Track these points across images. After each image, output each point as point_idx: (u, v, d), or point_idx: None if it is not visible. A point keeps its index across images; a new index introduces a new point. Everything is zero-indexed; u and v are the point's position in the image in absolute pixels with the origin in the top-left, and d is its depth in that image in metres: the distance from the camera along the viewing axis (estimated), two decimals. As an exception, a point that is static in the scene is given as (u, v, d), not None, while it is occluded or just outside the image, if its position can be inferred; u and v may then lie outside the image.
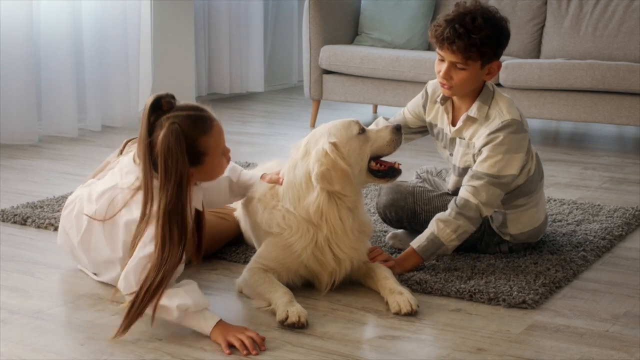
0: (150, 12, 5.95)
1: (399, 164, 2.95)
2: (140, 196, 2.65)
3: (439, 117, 3.23)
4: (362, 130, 2.88)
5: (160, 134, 2.59)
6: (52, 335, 2.51)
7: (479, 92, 3.11)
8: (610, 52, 5.62)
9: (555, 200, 3.99)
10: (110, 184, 2.79)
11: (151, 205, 2.61)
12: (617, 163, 5.00)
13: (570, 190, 4.31)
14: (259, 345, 2.45)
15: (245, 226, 3.16)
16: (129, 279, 2.52)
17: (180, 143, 2.58)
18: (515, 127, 3.03)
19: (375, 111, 6.61)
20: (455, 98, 3.15)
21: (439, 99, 3.20)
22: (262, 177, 2.98)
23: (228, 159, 2.77)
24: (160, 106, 2.65)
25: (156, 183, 2.62)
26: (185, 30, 6.29)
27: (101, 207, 2.77)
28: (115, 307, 2.70)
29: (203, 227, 2.77)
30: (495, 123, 3.04)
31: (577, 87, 5.26)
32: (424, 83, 5.51)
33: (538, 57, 5.87)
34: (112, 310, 2.69)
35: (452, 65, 3.02)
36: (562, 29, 5.80)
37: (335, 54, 5.85)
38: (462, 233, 3.02)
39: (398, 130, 2.92)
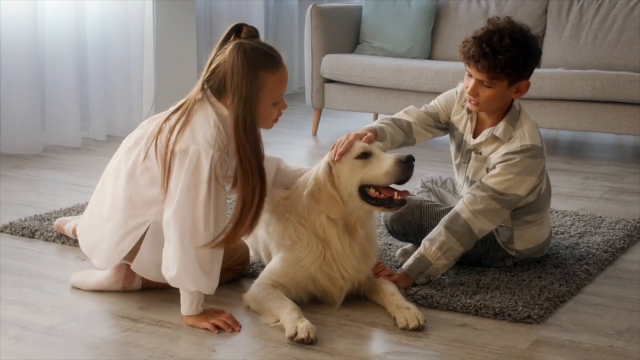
0: (153, 21, 5.98)
1: (400, 196, 2.82)
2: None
3: (462, 123, 3.24)
4: (363, 155, 2.84)
5: (227, 51, 2.68)
6: (65, 352, 2.54)
7: (506, 110, 3.13)
8: (610, 62, 5.66)
9: (557, 212, 4.03)
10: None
11: (186, 116, 2.71)
12: (617, 172, 5.04)
13: (571, 201, 4.35)
14: (237, 323, 2.73)
15: (254, 243, 3.19)
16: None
17: (248, 61, 2.65)
18: (533, 153, 3.05)
19: (376, 119, 6.64)
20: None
21: (465, 105, 3.20)
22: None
23: (278, 115, 2.80)
24: (240, 32, 2.74)
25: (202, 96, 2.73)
26: (187, 37, 6.32)
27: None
28: (126, 323, 2.73)
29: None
30: (514, 145, 3.06)
31: (577, 97, 5.31)
32: (426, 92, 5.64)
33: (538, 66, 5.91)
34: (123, 326, 2.72)
35: (479, 82, 3.03)
36: (562, 38, 5.84)
37: (337, 63, 5.89)
38: (448, 250, 3.02)
39: (403, 162, 2.77)
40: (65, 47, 5.37)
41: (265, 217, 2.97)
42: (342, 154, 2.85)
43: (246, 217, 2.68)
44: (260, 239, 3.06)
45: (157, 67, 6.06)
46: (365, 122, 6.54)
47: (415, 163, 2.80)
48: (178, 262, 2.66)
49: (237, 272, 3.12)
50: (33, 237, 3.58)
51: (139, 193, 2.80)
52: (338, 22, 6.11)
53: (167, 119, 2.78)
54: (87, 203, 4.00)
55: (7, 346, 2.56)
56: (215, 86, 2.74)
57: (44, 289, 3.02)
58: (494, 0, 6.10)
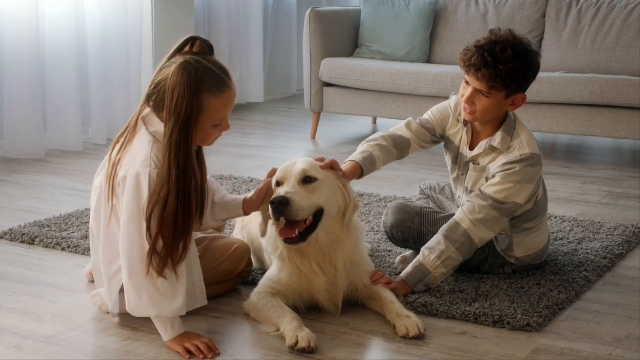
0: (152, 23, 6.00)
1: (283, 238, 2.76)
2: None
3: (458, 136, 3.26)
4: (277, 184, 2.84)
5: (172, 68, 2.56)
6: (66, 362, 2.55)
7: (502, 121, 3.15)
8: (608, 65, 5.67)
9: (556, 217, 4.03)
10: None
11: (131, 132, 2.65)
12: (616, 177, 5.05)
13: (570, 206, 4.36)
14: (213, 350, 2.59)
15: (257, 250, 3.20)
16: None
17: (190, 82, 2.53)
18: (533, 161, 3.07)
19: (374, 122, 6.66)
20: (476, 122, 3.18)
21: (461, 119, 3.23)
22: (244, 201, 2.90)
23: (221, 132, 2.70)
24: (192, 46, 2.63)
25: (146, 112, 2.66)
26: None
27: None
28: (127, 332, 2.74)
29: (204, 191, 2.73)
30: (514, 155, 3.08)
31: (576, 101, 5.32)
32: (424, 96, 5.64)
33: (537, 70, 5.91)
34: (123, 335, 2.73)
35: (476, 91, 3.05)
36: (561, 42, 5.85)
37: (336, 67, 5.90)
38: (447, 260, 3.03)
39: (271, 203, 2.72)
40: (66, 52, 5.38)
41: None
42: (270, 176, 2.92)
43: (162, 244, 2.56)
44: (264, 246, 3.06)
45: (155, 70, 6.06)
46: (362, 124, 6.57)
47: (283, 206, 2.69)
48: (132, 292, 2.59)
49: (243, 278, 3.09)
50: (33, 244, 3.58)
51: (114, 234, 2.71)
52: (337, 26, 6.12)
53: (111, 153, 2.71)
54: (86, 209, 4.03)
55: (8, 355, 2.56)
56: (158, 101, 2.63)
57: (44, 297, 3.03)
58: (492, 4, 6.11)
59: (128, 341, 2.68)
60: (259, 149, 5.71)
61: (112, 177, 2.67)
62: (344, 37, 6.20)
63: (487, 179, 3.13)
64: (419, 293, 3.04)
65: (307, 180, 2.80)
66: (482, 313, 2.89)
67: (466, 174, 3.22)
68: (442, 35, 6.21)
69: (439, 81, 5.60)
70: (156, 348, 2.64)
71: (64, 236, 3.62)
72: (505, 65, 2.98)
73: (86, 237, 3.60)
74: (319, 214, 2.80)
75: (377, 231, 3.76)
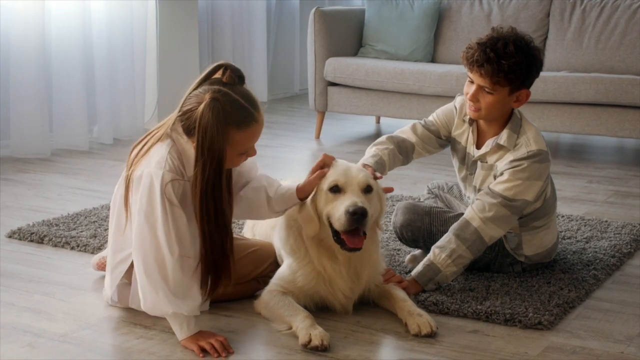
0: (156, 26, 6.00)
1: (350, 244, 2.74)
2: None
3: (464, 136, 3.27)
4: (334, 189, 2.78)
5: (202, 106, 2.58)
6: (79, 360, 2.56)
7: (507, 119, 3.16)
8: (612, 65, 5.68)
9: (563, 216, 4.04)
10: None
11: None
12: (621, 176, 5.06)
13: (576, 205, 4.36)
14: (227, 348, 2.61)
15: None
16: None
17: (219, 120, 2.56)
18: (540, 157, 3.08)
19: (378, 121, 6.67)
20: (481, 121, 3.19)
21: (466, 119, 3.24)
22: (297, 189, 2.86)
23: (247, 158, 2.73)
24: (223, 73, 2.65)
25: (180, 131, 2.68)
26: (189, 43, 6.33)
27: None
28: (139, 331, 2.74)
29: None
30: (521, 151, 3.09)
31: (580, 100, 5.32)
32: (429, 95, 5.66)
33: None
34: (136, 333, 2.73)
35: (480, 88, 3.06)
36: (565, 41, 5.85)
37: (340, 67, 5.90)
38: (458, 258, 3.04)
39: (350, 214, 2.69)
40: (72, 51, 5.38)
41: (278, 221, 2.99)
42: (314, 170, 2.85)
43: (206, 277, 2.66)
44: (275, 244, 3.06)
45: (159, 70, 6.07)
46: (366, 124, 6.57)
47: (364, 218, 2.69)
48: (148, 289, 2.61)
49: (265, 282, 2.99)
50: (42, 243, 3.59)
51: (123, 226, 2.76)
52: (341, 26, 6.12)
53: (130, 153, 2.76)
54: (94, 208, 4.03)
55: (22, 354, 2.57)
56: (185, 127, 2.67)
57: (55, 296, 3.03)
58: (496, 3, 6.11)
59: (141, 339, 2.69)
60: (264, 148, 5.69)
61: (128, 174, 2.72)
62: (348, 36, 6.21)
63: (495, 177, 3.14)
64: (429, 291, 3.05)
65: (367, 189, 2.80)
66: (493, 311, 2.89)
67: (474, 173, 3.23)
68: (446, 35, 6.22)
69: (443, 80, 5.61)
70: (169, 346, 2.64)
71: (73, 235, 3.62)
72: (508, 60, 2.99)
73: (95, 236, 3.61)
74: None
75: (384, 230, 3.76)
